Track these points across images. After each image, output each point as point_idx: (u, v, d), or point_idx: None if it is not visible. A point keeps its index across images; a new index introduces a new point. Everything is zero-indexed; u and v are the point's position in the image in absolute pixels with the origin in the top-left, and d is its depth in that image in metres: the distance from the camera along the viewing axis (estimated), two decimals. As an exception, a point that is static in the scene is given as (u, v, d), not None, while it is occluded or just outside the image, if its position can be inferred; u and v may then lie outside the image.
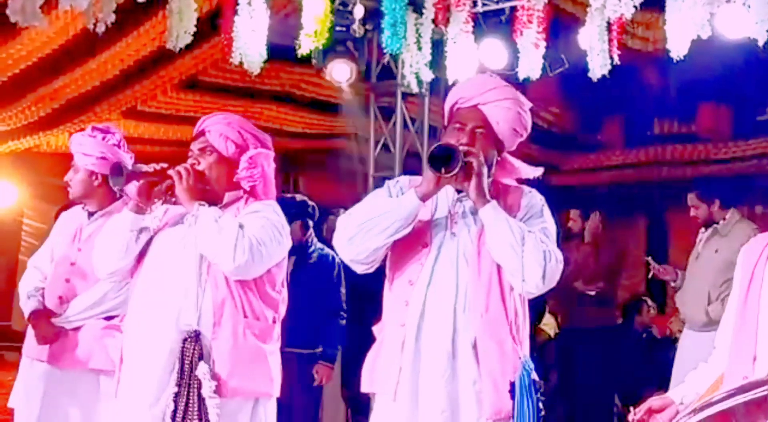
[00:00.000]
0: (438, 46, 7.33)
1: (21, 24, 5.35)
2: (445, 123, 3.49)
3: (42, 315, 4.59)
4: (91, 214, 4.71)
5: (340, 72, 7.75)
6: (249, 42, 6.63)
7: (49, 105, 8.20)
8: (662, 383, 6.37)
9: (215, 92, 9.04)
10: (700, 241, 6.67)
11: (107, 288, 4.42)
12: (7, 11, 5.19)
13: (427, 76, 7.46)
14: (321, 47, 7.02)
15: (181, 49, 6.54)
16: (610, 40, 6.59)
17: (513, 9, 7.08)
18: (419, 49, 7.32)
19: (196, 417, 3.44)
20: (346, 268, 4.02)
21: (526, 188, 3.43)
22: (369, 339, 3.43)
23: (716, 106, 10.25)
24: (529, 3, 6.72)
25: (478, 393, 3.16)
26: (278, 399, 3.75)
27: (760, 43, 5.87)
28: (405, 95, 8.29)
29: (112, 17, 5.71)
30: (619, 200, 10.74)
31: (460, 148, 3.21)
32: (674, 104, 10.01)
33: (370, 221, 3.24)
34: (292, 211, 6.45)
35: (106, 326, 4.47)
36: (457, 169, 3.13)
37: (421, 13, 7.23)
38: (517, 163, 3.48)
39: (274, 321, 3.70)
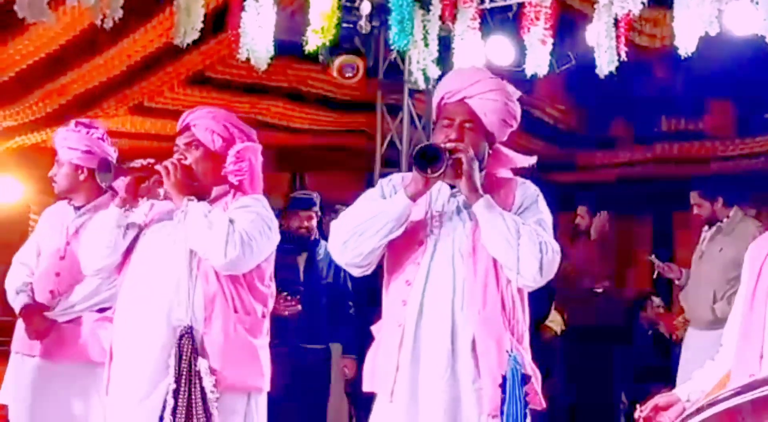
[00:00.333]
0: (445, 42, 7.31)
1: (28, 20, 5.35)
2: (435, 118, 3.47)
3: (34, 310, 4.59)
4: (77, 208, 4.71)
5: (347, 69, 7.74)
6: (256, 38, 6.64)
7: (56, 101, 8.20)
8: (669, 380, 6.36)
9: (222, 88, 9.03)
10: (704, 240, 6.68)
11: (100, 281, 4.41)
12: (15, 7, 5.19)
13: (434, 72, 7.44)
14: (328, 44, 7.01)
15: (188, 45, 6.55)
16: (617, 37, 6.58)
17: (520, 5, 7.06)
18: (426, 45, 7.31)
19: (201, 412, 3.44)
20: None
21: (519, 179, 3.41)
22: (372, 337, 3.43)
23: (724, 103, 10.22)
24: (536, -1, 6.72)
25: (477, 390, 3.16)
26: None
27: (768, 40, 5.86)
28: (412, 92, 8.28)
29: (120, 13, 5.71)
30: (626, 197, 10.71)
31: (448, 144, 3.21)
32: (682, 101, 9.98)
33: (362, 224, 3.23)
34: (312, 208, 6.51)
35: (99, 318, 4.48)
36: (442, 169, 3.13)
37: (428, 10, 7.22)
38: (510, 153, 3.46)
39: (263, 316, 3.71)
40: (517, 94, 3.45)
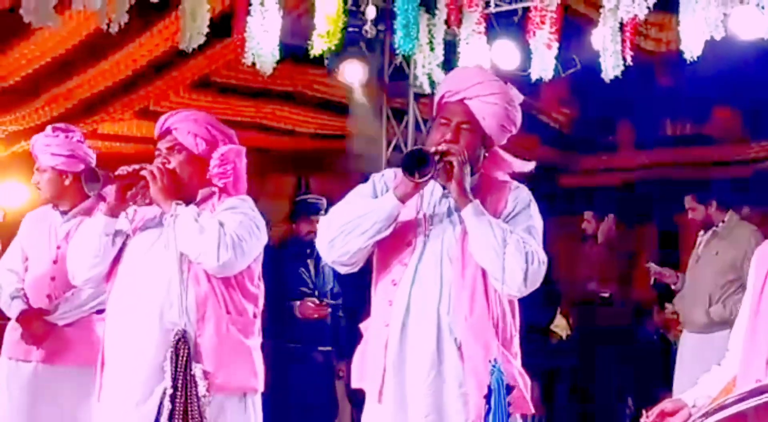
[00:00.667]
0: (450, 46, 7.32)
1: (34, 24, 5.37)
2: (434, 115, 3.45)
3: (33, 315, 4.58)
4: (63, 213, 4.70)
5: (353, 73, 7.75)
6: (262, 42, 6.64)
7: (62, 105, 8.21)
8: (675, 385, 6.36)
9: (227, 92, 9.04)
10: (700, 244, 6.76)
11: None
12: (21, 11, 5.20)
13: (440, 76, 7.44)
14: (333, 48, 7.02)
15: (193, 49, 6.55)
16: (622, 41, 6.57)
17: (525, 10, 7.06)
18: (432, 49, 7.31)
19: (197, 415, 3.44)
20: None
21: (513, 183, 3.37)
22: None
23: (729, 108, 10.21)
24: (541, 4, 6.71)
25: (464, 395, 3.14)
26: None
27: (774, 44, 5.86)
28: (417, 96, 8.27)
29: (125, 17, 5.72)
30: (632, 202, 10.71)
31: (441, 146, 3.18)
32: (687, 105, 9.98)
33: (349, 223, 3.22)
34: (320, 213, 6.56)
35: (101, 319, 4.47)
36: (430, 175, 3.11)
37: (434, 14, 7.22)
38: (508, 157, 3.43)
39: (254, 316, 3.71)
40: (520, 98, 3.42)
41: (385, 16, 7.34)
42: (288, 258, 6.60)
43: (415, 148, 3.22)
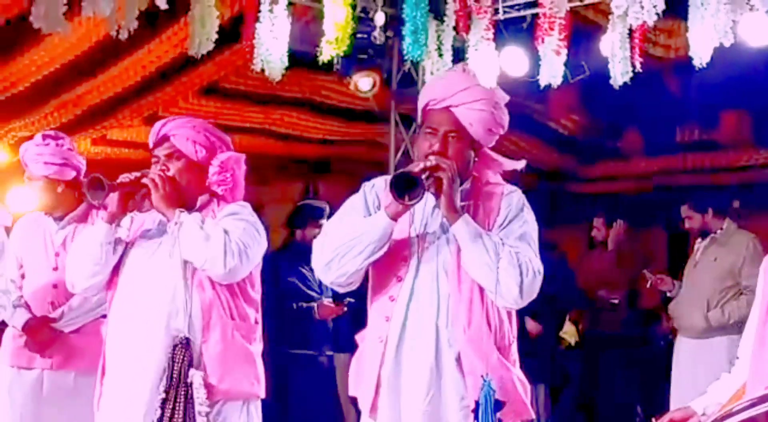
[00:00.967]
0: (459, 53, 7.31)
1: (44, 30, 5.37)
2: (419, 123, 3.43)
3: (39, 323, 4.57)
4: (57, 220, 4.70)
5: (364, 83, 7.79)
6: (270, 49, 6.63)
7: (72, 111, 8.23)
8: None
9: (236, 99, 9.05)
10: (698, 251, 6.86)
11: None
12: (31, 18, 5.21)
13: (448, 83, 7.43)
14: (342, 55, 7.03)
15: (202, 55, 6.56)
16: (632, 48, 6.56)
17: (534, 16, 7.05)
18: (440, 56, 7.31)
19: None
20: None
21: (506, 188, 3.34)
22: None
23: (739, 114, 10.19)
24: (550, 10, 6.70)
25: (464, 409, 3.11)
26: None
27: (783, 51, 5.85)
28: (426, 102, 8.27)
29: (135, 24, 5.73)
30: (640, 208, 10.69)
31: (429, 160, 3.15)
32: (696, 112, 9.95)
33: (344, 245, 3.19)
34: (324, 217, 6.59)
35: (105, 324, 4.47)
36: (420, 197, 3.08)
37: (443, 21, 7.22)
38: (498, 157, 3.42)
39: (256, 322, 3.73)
40: (506, 99, 3.40)
41: (394, 22, 7.34)
42: (291, 262, 6.62)
43: (402, 171, 3.16)
